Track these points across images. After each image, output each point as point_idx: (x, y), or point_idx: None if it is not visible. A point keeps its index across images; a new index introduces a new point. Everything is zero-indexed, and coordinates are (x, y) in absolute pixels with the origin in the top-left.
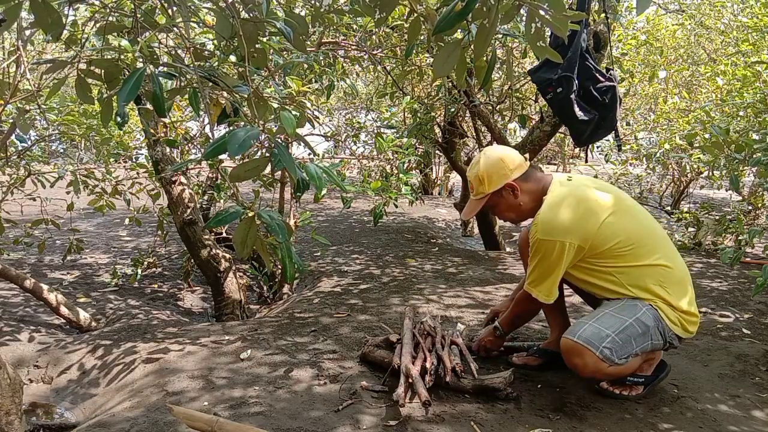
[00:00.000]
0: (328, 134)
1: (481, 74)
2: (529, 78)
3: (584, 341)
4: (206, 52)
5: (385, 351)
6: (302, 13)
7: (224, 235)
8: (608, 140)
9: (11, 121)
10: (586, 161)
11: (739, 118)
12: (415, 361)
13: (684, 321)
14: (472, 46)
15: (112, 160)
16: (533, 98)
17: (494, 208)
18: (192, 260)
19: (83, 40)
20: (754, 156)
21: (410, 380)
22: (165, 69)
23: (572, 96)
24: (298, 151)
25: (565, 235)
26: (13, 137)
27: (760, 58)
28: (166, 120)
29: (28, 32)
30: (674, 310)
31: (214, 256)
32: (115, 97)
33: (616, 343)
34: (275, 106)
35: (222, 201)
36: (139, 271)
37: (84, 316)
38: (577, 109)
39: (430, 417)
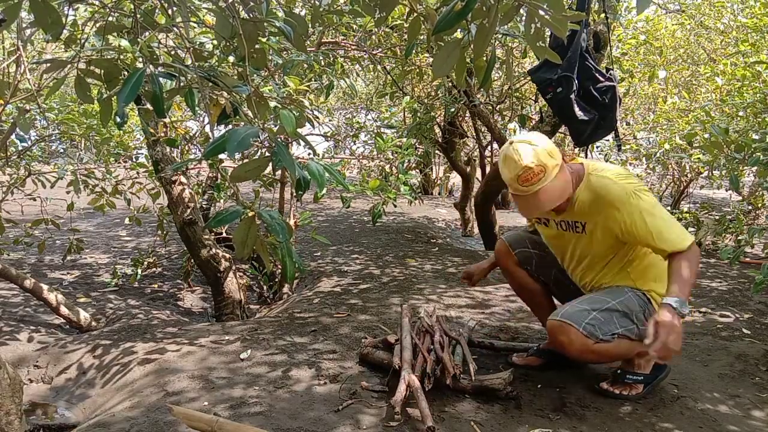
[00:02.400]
0: (328, 134)
1: (480, 74)
2: (529, 78)
3: (567, 318)
4: (205, 53)
5: (384, 352)
6: (302, 13)
7: (224, 235)
8: (608, 140)
9: (11, 121)
10: None
11: (738, 118)
12: (415, 367)
13: None
14: (471, 46)
15: (112, 159)
16: (533, 98)
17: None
18: (192, 260)
19: (83, 40)
20: (754, 156)
21: (411, 390)
22: (164, 69)
23: (572, 96)
24: (298, 151)
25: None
26: (13, 137)
27: (760, 58)
28: (166, 120)
29: (27, 32)
30: (658, 289)
31: (214, 256)
32: (114, 96)
33: (598, 320)
34: (274, 105)
35: (222, 201)
36: (139, 271)
37: (84, 316)
38: (576, 109)
39: None
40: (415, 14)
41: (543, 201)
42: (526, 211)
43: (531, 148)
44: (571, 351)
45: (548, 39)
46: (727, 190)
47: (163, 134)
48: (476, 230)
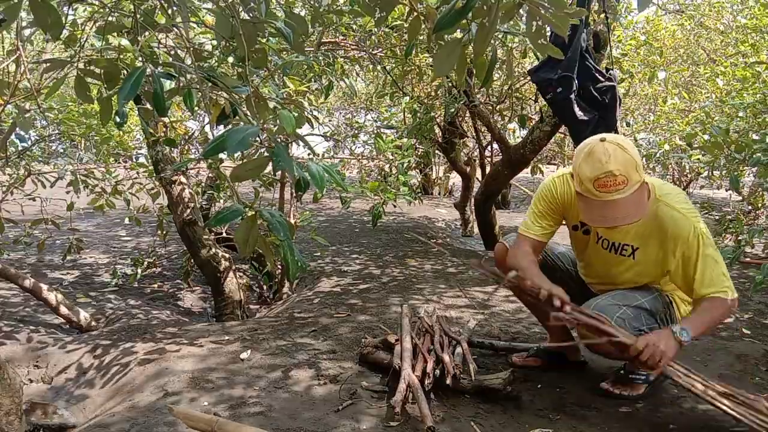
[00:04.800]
0: (328, 134)
1: (481, 73)
2: (529, 78)
3: (599, 310)
4: (205, 53)
5: (384, 352)
6: (302, 14)
7: (224, 235)
8: None
9: (11, 120)
10: None
11: (738, 119)
12: (415, 367)
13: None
14: (472, 45)
15: (111, 159)
16: (533, 98)
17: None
18: (192, 260)
19: (83, 40)
20: (754, 156)
21: (411, 391)
22: (164, 69)
23: (572, 96)
24: (298, 151)
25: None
26: (13, 137)
27: (760, 59)
28: (166, 120)
29: (27, 32)
30: (687, 305)
31: (214, 256)
32: (114, 96)
33: (628, 315)
34: (273, 105)
35: (222, 201)
36: (139, 271)
37: (84, 315)
38: (576, 110)
39: None
40: (416, 14)
41: (611, 215)
42: (589, 217)
43: (621, 152)
44: (601, 345)
45: (549, 38)
46: (727, 190)
47: (162, 134)
48: (476, 230)
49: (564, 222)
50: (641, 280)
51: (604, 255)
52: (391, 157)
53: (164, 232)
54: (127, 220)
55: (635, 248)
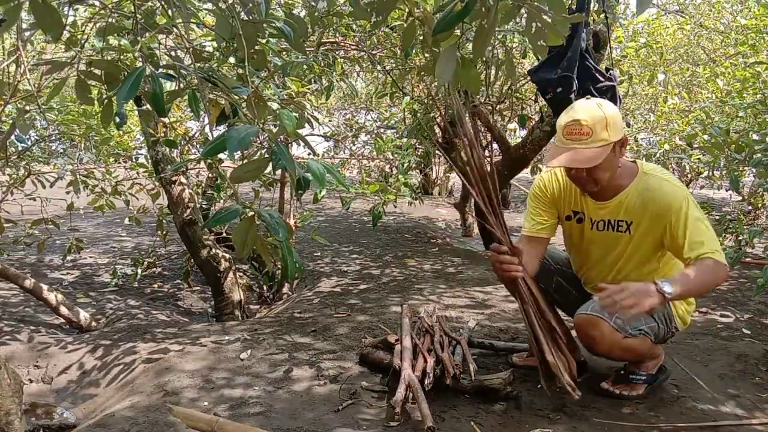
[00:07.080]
0: (328, 134)
1: (476, 83)
2: (529, 78)
3: (598, 312)
4: (205, 53)
5: (384, 352)
6: (302, 14)
7: (224, 235)
8: None
9: (11, 121)
10: None
11: (738, 119)
12: (415, 367)
13: (687, 314)
14: (470, 46)
15: (111, 160)
16: (533, 98)
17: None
18: (192, 260)
19: (83, 41)
20: (755, 156)
21: (411, 390)
22: (164, 70)
23: (572, 96)
24: (297, 151)
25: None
26: (13, 138)
27: (759, 59)
28: (166, 120)
29: (28, 33)
30: (685, 304)
31: (214, 256)
32: (114, 98)
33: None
34: (275, 107)
35: (222, 201)
36: (139, 271)
37: (84, 316)
38: None
39: None
40: (412, 18)
41: (572, 159)
42: (552, 159)
43: (595, 108)
44: (601, 346)
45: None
46: (727, 190)
47: (162, 134)
48: (476, 230)
49: (558, 218)
50: (639, 257)
51: (601, 238)
52: (391, 157)
53: (164, 232)
54: (127, 220)
55: (629, 223)
